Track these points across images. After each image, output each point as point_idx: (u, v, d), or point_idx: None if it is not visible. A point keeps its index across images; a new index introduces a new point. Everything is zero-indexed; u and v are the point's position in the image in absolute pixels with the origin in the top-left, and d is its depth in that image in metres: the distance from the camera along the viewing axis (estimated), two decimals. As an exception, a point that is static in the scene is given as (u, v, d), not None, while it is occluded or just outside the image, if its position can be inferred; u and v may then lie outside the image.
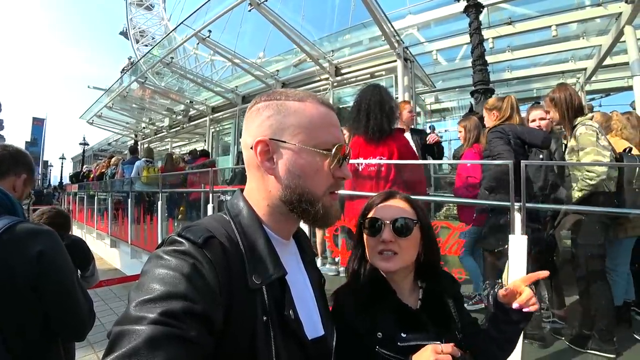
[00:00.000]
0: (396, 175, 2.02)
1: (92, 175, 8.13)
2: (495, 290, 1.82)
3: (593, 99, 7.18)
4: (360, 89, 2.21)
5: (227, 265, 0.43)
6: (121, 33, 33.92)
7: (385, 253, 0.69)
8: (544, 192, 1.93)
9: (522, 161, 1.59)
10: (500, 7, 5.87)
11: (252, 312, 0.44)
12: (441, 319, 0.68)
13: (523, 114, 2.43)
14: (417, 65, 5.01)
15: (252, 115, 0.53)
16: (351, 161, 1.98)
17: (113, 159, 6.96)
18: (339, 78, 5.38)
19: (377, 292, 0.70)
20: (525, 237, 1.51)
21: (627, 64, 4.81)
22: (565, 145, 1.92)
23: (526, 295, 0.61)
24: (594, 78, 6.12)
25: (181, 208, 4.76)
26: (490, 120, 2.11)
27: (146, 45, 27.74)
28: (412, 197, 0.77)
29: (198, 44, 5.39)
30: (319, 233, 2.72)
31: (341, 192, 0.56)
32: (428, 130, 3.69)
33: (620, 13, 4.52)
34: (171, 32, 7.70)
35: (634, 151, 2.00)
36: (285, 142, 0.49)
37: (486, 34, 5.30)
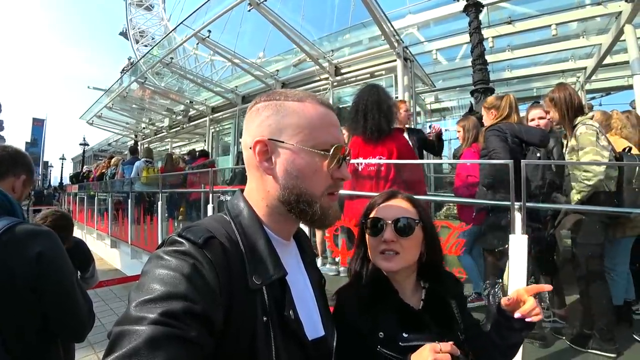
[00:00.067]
0: (396, 175, 2.02)
1: (92, 176, 8.14)
2: (496, 289, 1.83)
3: (593, 98, 7.17)
4: (359, 89, 2.22)
5: (227, 265, 0.43)
6: (121, 33, 33.92)
7: (387, 253, 0.69)
8: (542, 191, 1.92)
9: (522, 161, 1.59)
10: (500, 6, 5.87)
11: (252, 313, 0.44)
12: (444, 320, 0.68)
13: (523, 114, 2.43)
14: (417, 64, 5.01)
15: (252, 115, 0.53)
16: (351, 161, 1.98)
17: (113, 160, 6.97)
18: (338, 78, 5.38)
19: (379, 292, 0.69)
20: (526, 236, 1.51)
21: (627, 62, 4.80)
22: (565, 145, 1.92)
23: (529, 305, 0.60)
24: (594, 77, 6.11)
25: (181, 209, 4.76)
26: (488, 119, 2.11)
27: (146, 46, 27.74)
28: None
29: (198, 44, 5.39)
30: (318, 233, 2.72)
31: (341, 192, 0.56)
32: (428, 130, 3.70)
33: (620, 12, 4.52)
34: (171, 32, 7.69)
35: (634, 150, 2.00)
36: (283, 142, 0.49)
37: (486, 33, 5.29)
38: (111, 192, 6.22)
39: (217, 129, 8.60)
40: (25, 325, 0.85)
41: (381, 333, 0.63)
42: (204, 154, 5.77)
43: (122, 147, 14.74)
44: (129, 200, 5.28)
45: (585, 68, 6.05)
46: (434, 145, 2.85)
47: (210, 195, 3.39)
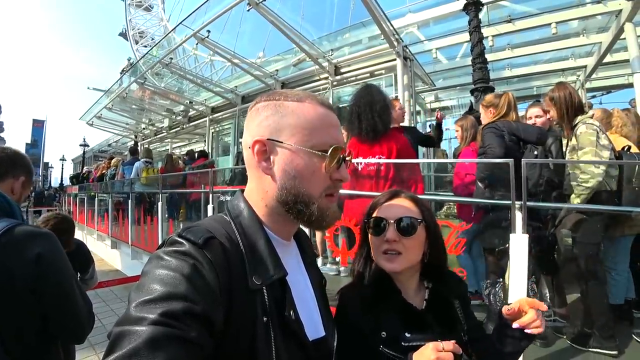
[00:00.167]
0: (395, 174, 2.03)
1: (92, 177, 8.14)
2: (497, 289, 1.82)
3: (594, 97, 7.17)
4: (357, 89, 2.24)
5: (227, 265, 0.43)
6: (120, 34, 33.92)
7: (389, 253, 0.69)
8: (540, 189, 1.92)
9: (522, 159, 1.58)
10: (500, 5, 5.86)
11: (253, 313, 0.44)
12: (447, 320, 0.68)
13: (522, 113, 2.43)
14: (417, 63, 5.00)
15: (252, 115, 0.53)
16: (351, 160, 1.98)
17: (113, 160, 6.97)
18: (338, 77, 5.38)
19: (382, 292, 0.69)
20: (527, 235, 1.51)
21: (627, 61, 4.80)
22: (565, 144, 1.92)
23: (529, 318, 0.59)
24: (594, 75, 6.11)
25: (181, 210, 4.77)
26: (486, 117, 2.09)
27: (145, 46, 27.73)
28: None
29: (197, 44, 5.40)
30: (318, 233, 2.72)
31: (341, 191, 0.55)
32: (428, 130, 3.72)
33: (621, 10, 4.51)
34: (170, 32, 7.69)
35: (633, 149, 2.00)
36: (282, 142, 0.49)
37: (486, 31, 5.29)
38: (111, 192, 6.23)
39: (217, 129, 8.61)
40: (25, 327, 0.85)
41: (384, 333, 0.63)
42: (203, 154, 5.77)
43: (122, 148, 14.74)
44: (129, 201, 5.28)
45: (585, 66, 6.05)
46: (430, 139, 2.89)
47: (210, 195, 3.39)
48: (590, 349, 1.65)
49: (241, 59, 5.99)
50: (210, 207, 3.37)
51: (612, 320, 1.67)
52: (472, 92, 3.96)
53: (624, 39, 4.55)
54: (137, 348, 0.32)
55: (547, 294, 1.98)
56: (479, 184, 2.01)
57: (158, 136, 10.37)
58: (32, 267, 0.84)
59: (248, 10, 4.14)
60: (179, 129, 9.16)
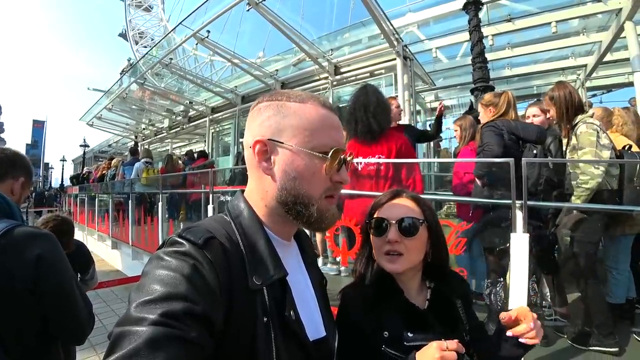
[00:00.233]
0: (395, 173, 2.03)
1: (92, 177, 8.15)
2: (497, 288, 1.82)
3: (594, 95, 7.16)
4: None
5: (227, 265, 0.43)
6: (120, 35, 33.92)
7: (391, 254, 0.68)
8: (539, 189, 1.92)
9: (523, 159, 1.58)
10: (500, 4, 5.85)
11: (253, 313, 0.44)
12: (449, 320, 0.67)
13: (522, 112, 2.43)
14: (417, 63, 5.00)
15: (254, 114, 0.53)
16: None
17: (113, 161, 6.98)
18: (338, 77, 5.37)
19: (384, 292, 0.69)
20: (527, 235, 1.50)
21: (627, 60, 4.78)
22: (565, 144, 1.91)
23: (522, 328, 0.58)
24: (594, 74, 6.10)
25: (181, 211, 4.77)
26: (485, 116, 2.09)
27: (145, 47, 27.73)
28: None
29: (197, 44, 5.39)
30: (319, 232, 2.72)
31: (341, 191, 0.55)
32: (428, 129, 3.75)
33: (621, 9, 4.50)
34: (170, 32, 7.68)
35: (634, 148, 2.00)
36: (283, 143, 0.49)
37: (486, 31, 5.28)
38: (112, 193, 6.23)
39: (217, 129, 8.60)
40: (25, 328, 0.85)
41: (386, 333, 0.63)
42: (202, 154, 5.77)
43: (122, 149, 14.75)
44: (130, 202, 5.29)
45: (585, 65, 6.03)
46: (427, 134, 3.00)
47: (211, 195, 3.39)
48: (590, 348, 1.65)
49: (241, 59, 5.99)
50: (210, 207, 3.37)
51: (610, 318, 1.67)
52: (472, 91, 3.95)
53: (624, 37, 4.53)
54: (137, 348, 0.32)
55: (548, 293, 1.98)
56: (477, 181, 2.01)
57: (158, 136, 10.37)
58: (32, 268, 0.84)
59: (248, 10, 4.13)
60: (179, 129, 9.16)
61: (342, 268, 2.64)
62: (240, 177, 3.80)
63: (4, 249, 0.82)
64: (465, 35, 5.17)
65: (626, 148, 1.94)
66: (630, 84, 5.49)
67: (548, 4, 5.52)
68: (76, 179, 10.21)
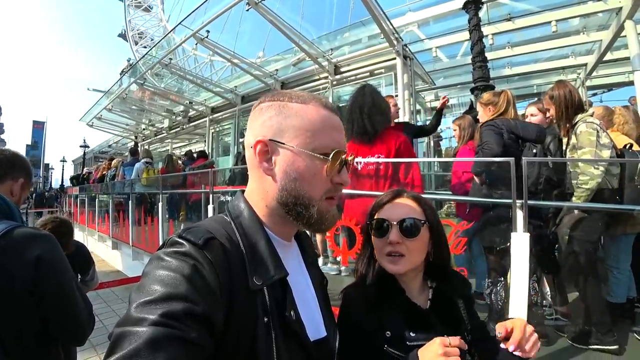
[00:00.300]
0: (394, 172, 2.04)
1: (92, 178, 8.15)
2: (498, 288, 1.82)
3: (594, 94, 7.15)
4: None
5: (227, 266, 0.43)
6: (120, 35, 33.91)
7: (393, 255, 0.68)
8: (539, 188, 1.92)
9: (523, 158, 1.58)
10: (500, 3, 5.84)
11: (253, 313, 0.44)
12: (451, 320, 0.67)
13: (522, 111, 2.43)
14: (417, 62, 4.99)
15: (256, 114, 0.53)
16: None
17: (114, 161, 6.98)
18: (338, 77, 5.37)
19: (385, 292, 0.69)
20: (528, 234, 1.50)
21: (627, 59, 4.78)
22: (565, 143, 1.91)
23: (512, 339, 0.55)
24: (594, 73, 6.09)
25: (182, 212, 4.77)
26: (485, 115, 2.08)
27: (145, 47, 27.73)
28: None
29: (197, 44, 5.38)
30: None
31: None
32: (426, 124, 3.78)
33: (621, 8, 4.49)
34: (169, 32, 7.67)
35: (635, 147, 1.99)
36: (284, 143, 0.49)
37: (486, 30, 5.28)
38: (112, 193, 6.23)
39: (217, 129, 8.60)
40: (25, 329, 0.85)
41: (388, 332, 0.63)
42: (202, 154, 5.77)
43: (122, 149, 14.74)
44: (130, 202, 5.29)
45: (585, 64, 6.02)
46: (424, 130, 3.11)
47: (211, 196, 3.39)
48: (590, 347, 1.65)
49: (241, 58, 5.98)
50: (210, 207, 3.37)
51: (609, 316, 1.67)
52: (472, 90, 3.95)
53: (625, 36, 4.53)
54: (137, 349, 0.32)
55: (548, 293, 1.97)
56: (476, 179, 2.01)
57: (158, 137, 10.36)
58: (32, 269, 0.83)
59: (247, 10, 4.13)
60: (179, 129, 9.15)
61: (343, 268, 2.64)
62: (240, 177, 3.80)
63: (4, 250, 0.81)
64: (465, 35, 5.17)
65: (627, 147, 1.94)
66: (631, 83, 5.48)
67: (548, 3, 5.52)
68: (76, 180, 10.22)
